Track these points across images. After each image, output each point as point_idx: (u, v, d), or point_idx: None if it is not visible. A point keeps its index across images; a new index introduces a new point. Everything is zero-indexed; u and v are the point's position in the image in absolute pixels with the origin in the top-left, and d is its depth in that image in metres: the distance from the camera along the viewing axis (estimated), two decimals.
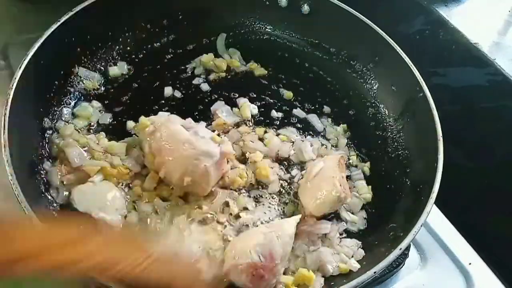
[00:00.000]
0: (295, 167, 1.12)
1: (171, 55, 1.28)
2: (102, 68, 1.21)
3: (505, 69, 1.29)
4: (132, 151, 1.06)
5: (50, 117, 1.07)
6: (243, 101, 1.20)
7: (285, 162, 1.12)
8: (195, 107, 1.19)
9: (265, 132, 1.16)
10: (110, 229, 0.94)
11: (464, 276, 1.09)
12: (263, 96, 1.24)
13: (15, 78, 0.97)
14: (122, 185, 1.01)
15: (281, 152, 1.13)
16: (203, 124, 1.11)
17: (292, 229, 0.95)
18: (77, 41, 1.15)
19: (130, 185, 1.02)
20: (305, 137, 1.17)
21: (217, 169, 0.99)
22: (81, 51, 1.17)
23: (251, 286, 0.88)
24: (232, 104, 1.20)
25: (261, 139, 1.14)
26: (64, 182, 0.99)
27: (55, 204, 0.96)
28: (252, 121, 1.19)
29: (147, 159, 1.02)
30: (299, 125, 1.20)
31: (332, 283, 0.90)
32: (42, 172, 0.99)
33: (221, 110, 1.18)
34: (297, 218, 0.99)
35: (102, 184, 1.00)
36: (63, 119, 1.09)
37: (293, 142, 1.15)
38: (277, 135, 1.16)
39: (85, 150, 1.03)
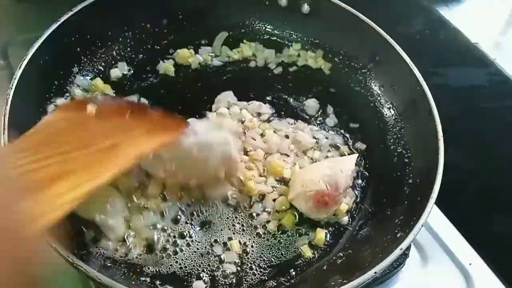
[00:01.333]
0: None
1: (171, 55, 1.28)
2: (102, 68, 1.21)
3: (506, 69, 1.29)
4: None
5: None
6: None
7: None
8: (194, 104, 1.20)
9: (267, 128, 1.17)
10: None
11: (464, 276, 1.09)
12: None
13: (15, 78, 0.97)
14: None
15: (281, 149, 1.13)
16: (194, 120, 1.11)
17: (353, 165, 1.08)
18: (77, 40, 1.15)
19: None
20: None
21: (237, 149, 1.04)
22: (80, 51, 1.17)
23: (315, 211, 1.01)
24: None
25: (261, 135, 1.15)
26: None
27: None
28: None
29: (167, 184, 1.01)
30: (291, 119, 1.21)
31: (333, 283, 0.89)
32: None
33: (226, 101, 1.20)
34: (356, 155, 1.11)
35: (101, 189, 0.99)
36: None
37: (287, 136, 1.16)
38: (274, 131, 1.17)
39: None
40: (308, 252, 0.99)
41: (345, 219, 1.06)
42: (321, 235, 1.01)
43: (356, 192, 1.10)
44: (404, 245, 0.87)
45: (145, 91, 1.20)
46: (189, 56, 1.27)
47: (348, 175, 1.05)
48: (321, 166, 1.07)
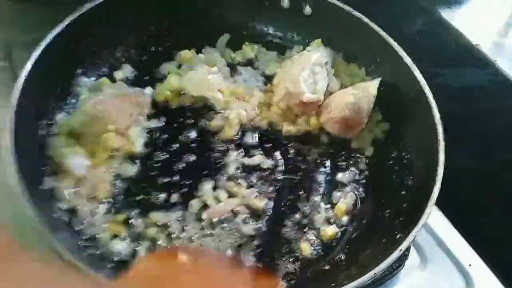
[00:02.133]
0: None
1: (174, 57, 1.29)
2: (106, 70, 1.22)
3: (506, 70, 1.29)
4: None
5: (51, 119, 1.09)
6: None
7: None
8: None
9: None
10: None
11: (464, 278, 1.10)
12: None
13: (19, 80, 0.97)
14: None
15: None
16: None
17: (375, 90, 1.18)
18: (81, 43, 1.16)
19: None
20: None
21: None
22: (84, 53, 1.18)
23: (343, 133, 1.18)
24: None
25: None
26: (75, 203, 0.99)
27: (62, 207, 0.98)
28: None
29: None
30: None
31: (333, 284, 0.90)
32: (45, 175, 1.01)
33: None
34: (378, 80, 1.20)
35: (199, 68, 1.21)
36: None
37: None
38: None
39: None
40: (306, 250, 1.00)
41: (345, 219, 1.06)
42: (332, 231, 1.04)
43: (356, 193, 1.11)
44: (403, 246, 0.88)
45: None
46: (191, 58, 1.27)
47: (370, 100, 1.16)
48: (346, 93, 1.19)
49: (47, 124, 1.06)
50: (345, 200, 1.09)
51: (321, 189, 1.11)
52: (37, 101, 1.04)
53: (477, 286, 1.09)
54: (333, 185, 1.13)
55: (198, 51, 1.30)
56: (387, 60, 1.24)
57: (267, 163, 1.13)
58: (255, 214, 1.05)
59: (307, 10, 1.31)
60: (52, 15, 1.11)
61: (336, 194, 1.11)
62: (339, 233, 1.05)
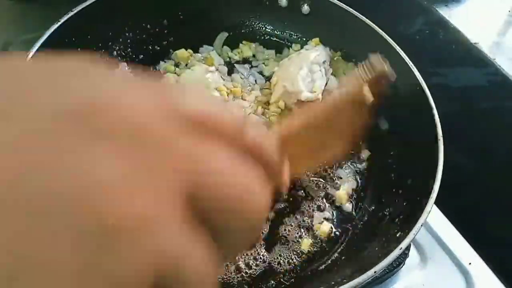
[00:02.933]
0: None
1: (171, 56, 1.28)
2: None
3: (505, 69, 1.29)
4: None
5: None
6: None
7: None
8: None
9: None
10: None
11: (464, 276, 1.09)
12: None
13: None
14: None
15: None
16: None
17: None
18: (77, 41, 1.15)
19: None
20: None
21: None
22: (81, 51, 1.17)
23: None
24: None
25: None
26: None
27: None
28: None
29: None
30: None
31: (333, 283, 0.89)
32: None
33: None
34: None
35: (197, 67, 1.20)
36: None
37: None
38: None
39: None
40: (306, 248, 1.00)
41: (348, 206, 1.07)
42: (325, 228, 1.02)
43: (355, 192, 1.10)
44: (403, 244, 0.87)
45: None
46: (188, 57, 1.27)
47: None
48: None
49: None
50: (344, 186, 1.08)
51: (320, 187, 1.11)
52: None
53: (477, 284, 1.08)
54: (332, 183, 1.12)
55: (196, 50, 1.29)
56: (386, 59, 1.23)
57: None
58: None
59: (305, 8, 1.31)
60: (52, 15, 1.10)
61: (335, 192, 1.10)
62: (338, 231, 1.04)
